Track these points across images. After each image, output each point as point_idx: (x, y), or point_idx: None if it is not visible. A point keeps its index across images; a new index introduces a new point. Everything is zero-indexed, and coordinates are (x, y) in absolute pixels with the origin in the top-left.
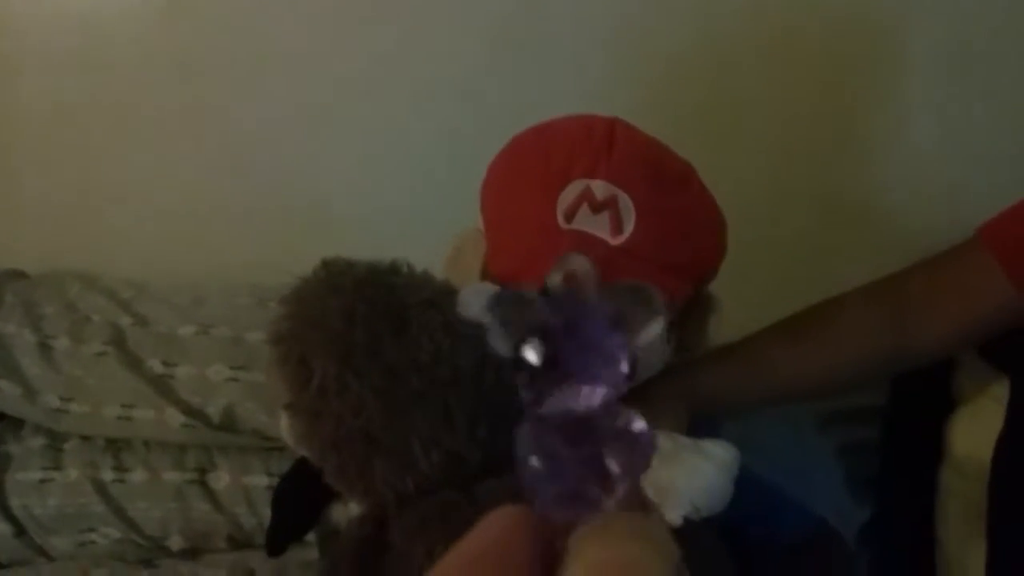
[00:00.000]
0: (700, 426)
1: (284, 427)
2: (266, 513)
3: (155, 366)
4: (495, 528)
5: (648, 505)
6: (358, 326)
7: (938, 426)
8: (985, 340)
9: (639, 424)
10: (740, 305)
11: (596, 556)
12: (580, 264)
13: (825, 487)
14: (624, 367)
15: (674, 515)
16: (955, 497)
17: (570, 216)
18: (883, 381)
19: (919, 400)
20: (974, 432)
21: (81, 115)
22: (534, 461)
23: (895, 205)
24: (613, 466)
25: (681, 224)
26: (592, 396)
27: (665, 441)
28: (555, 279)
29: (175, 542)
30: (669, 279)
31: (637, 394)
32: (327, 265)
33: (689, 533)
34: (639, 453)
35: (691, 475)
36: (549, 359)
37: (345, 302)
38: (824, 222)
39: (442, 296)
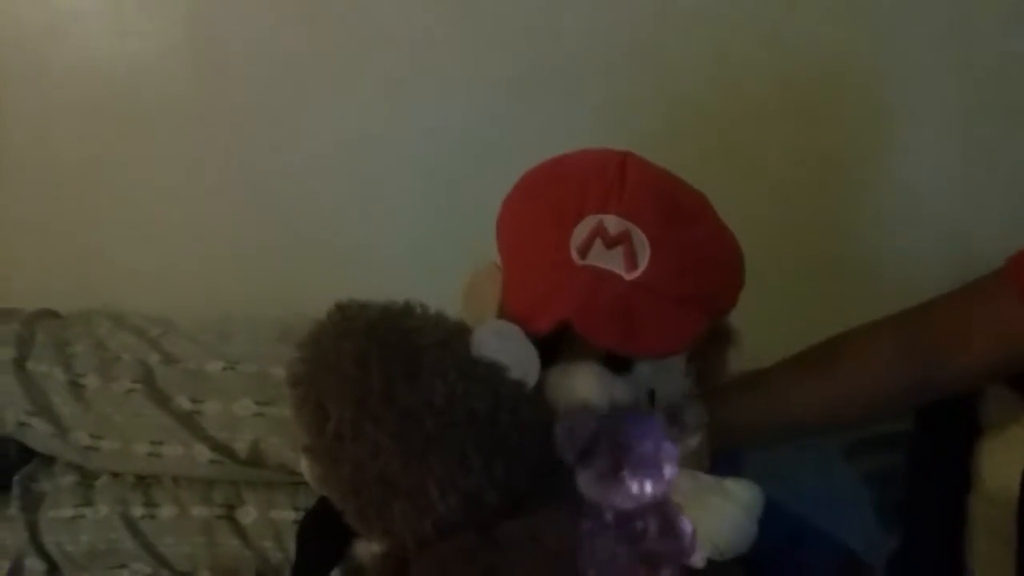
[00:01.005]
0: (723, 459)
1: (304, 468)
2: (293, 547)
3: (183, 403)
4: None
5: None
6: (371, 370)
7: (965, 453)
8: (1012, 373)
9: (683, 520)
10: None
11: None
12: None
13: (853, 516)
14: (670, 469)
15: (697, 557)
16: (984, 526)
17: (584, 252)
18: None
19: (945, 427)
20: (1002, 460)
21: (108, 159)
22: (593, 546)
23: (896, 252)
24: (659, 555)
25: (697, 257)
26: (642, 495)
27: (687, 481)
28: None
29: None
30: (686, 312)
31: None
32: (341, 308)
33: (714, 572)
34: (683, 549)
35: (713, 517)
36: (608, 467)
37: (358, 346)
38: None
39: (455, 336)
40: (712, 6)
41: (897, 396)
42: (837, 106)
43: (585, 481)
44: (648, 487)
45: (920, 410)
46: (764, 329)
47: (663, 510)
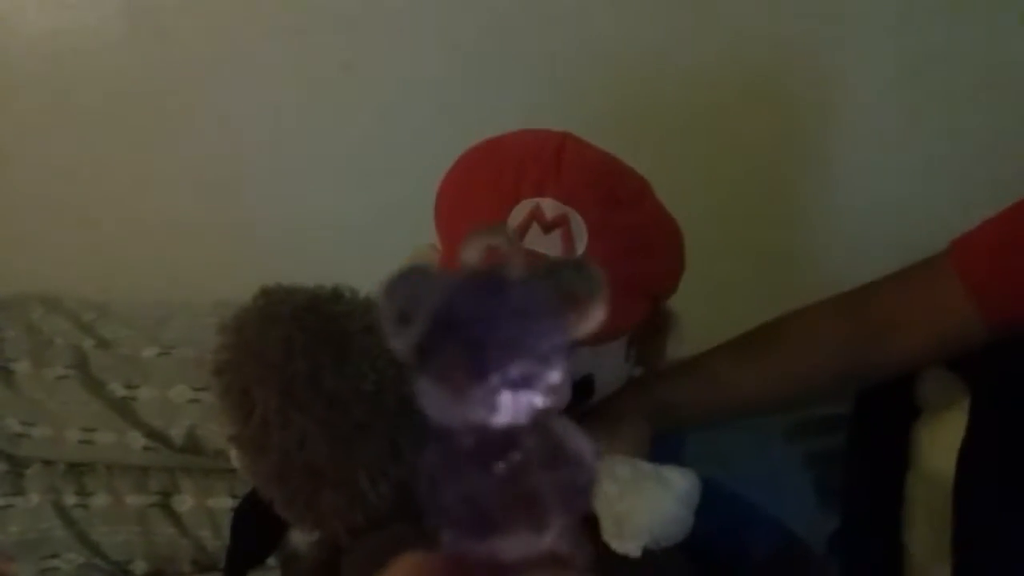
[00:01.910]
0: (664, 440)
1: (232, 458)
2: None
3: (117, 389)
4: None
5: (581, 555)
6: (297, 356)
7: (903, 434)
8: (949, 357)
9: (579, 444)
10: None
11: None
12: (502, 236)
13: (793, 497)
14: (559, 367)
15: (632, 547)
16: (921, 506)
17: (521, 235)
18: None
19: (883, 407)
20: (938, 441)
21: (43, 137)
22: (442, 491)
23: (863, 216)
24: (544, 497)
25: (636, 241)
26: (517, 407)
27: (624, 468)
28: (470, 255)
29: (139, 566)
30: (626, 297)
31: (597, 411)
32: (266, 293)
33: (654, 559)
34: (578, 481)
35: (651, 506)
36: (460, 358)
37: (284, 332)
38: (793, 231)
39: None
40: None
41: (837, 377)
42: (785, 93)
43: (428, 389)
44: (526, 396)
45: (859, 391)
46: (709, 318)
47: (545, 431)
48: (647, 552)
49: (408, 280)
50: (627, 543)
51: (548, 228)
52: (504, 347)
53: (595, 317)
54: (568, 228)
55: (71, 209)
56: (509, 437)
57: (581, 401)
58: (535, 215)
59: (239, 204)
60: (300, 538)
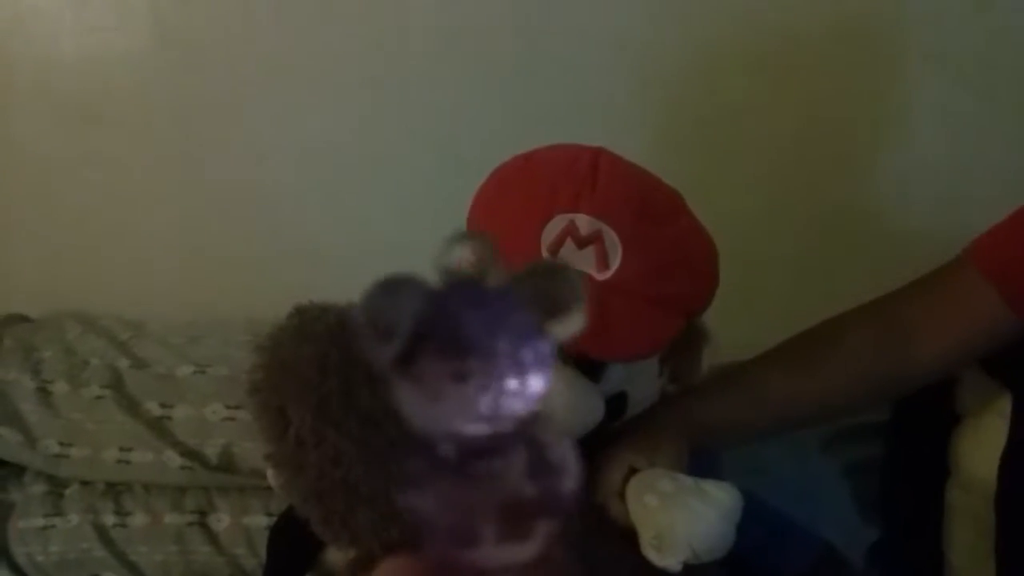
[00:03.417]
0: (701, 454)
1: (269, 476)
2: (265, 554)
3: (152, 408)
4: None
5: (563, 561)
6: (331, 374)
7: (942, 442)
8: (983, 357)
9: (562, 451)
10: (744, 324)
11: None
12: (481, 245)
13: (831, 508)
14: (539, 375)
15: (672, 561)
16: (962, 514)
17: (554, 251)
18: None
19: (922, 416)
20: (978, 448)
21: (77, 157)
22: (422, 499)
23: (897, 217)
24: (527, 504)
25: (670, 256)
26: (498, 412)
27: (666, 482)
28: (447, 261)
29: None
30: (660, 313)
31: (632, 427)
32: (300, 312)
33: (692, 573)
34: (561, 488)
35: (692, 520)
36: (438, 365)
37: (318, 350)
38: (825, 236)
39: None
40: None
41: (873, 387)
42: (847, 62)
43: (409, 395)
44: (508, 402)
45: (897, 400)
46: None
47: (531, 437)
48: (686, 567)
49: (388, 290)
50: (667, 558)
51: (582, 244)
52: (483, 355)
53: (576, 322)
54: (602, 244)
55: (105, 228)
56: (492, 445)
57: (614, 418)
58: (569, 231)
59: (269, 222)
60: (336, 557)
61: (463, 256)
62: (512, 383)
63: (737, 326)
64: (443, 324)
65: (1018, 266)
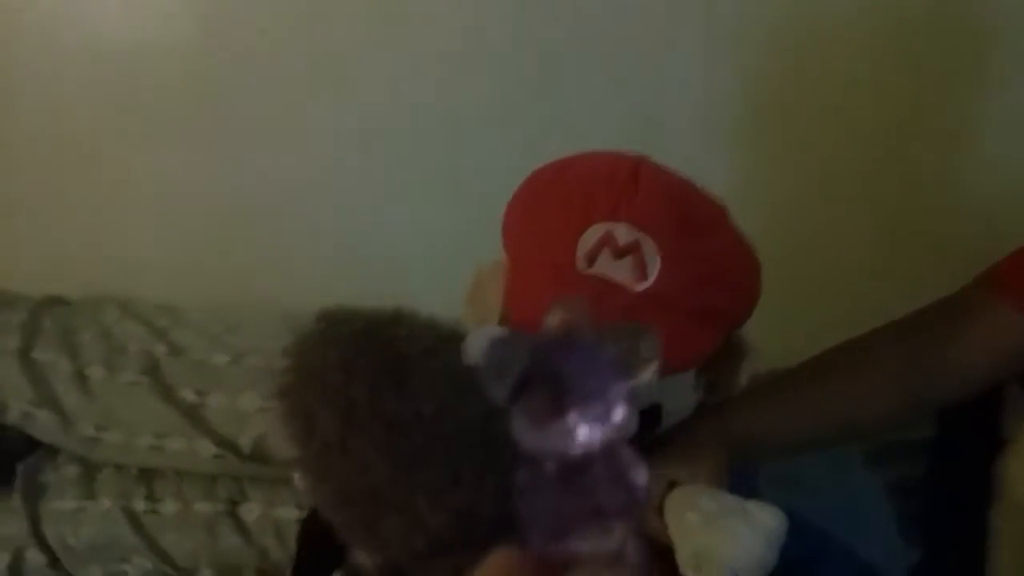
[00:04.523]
0: (738, 468)
1: (296, 480)
2: (294, 547)
3: (188, 395)
4: (491, 572)
5: (639, 553)
6: (357, 380)
7: (987, 466)
8: (1012, 376)
9: (636, 472)
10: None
11: None
12: (576, 308)
13: (873, 527)
14: (622, 408)
15: None
16: (1008, 540)
17: (591, 260)
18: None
19: (967, 438)
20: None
21: (118, 144)
22: (530, 502)
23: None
24: (609, 509)
25: (710, 269)
26: (590, 439)
27: (708, 501)
28: (552, 322)
29: (205, 574)
30: (697, 327)
31: (671, 440)
32: (326, 316)
33: None
34: (634, 500)
35: (735, 544)
36: (545, 401)
37: (344, 355)
38: (883, 241)
39: (445, 344)
40: None
41: (903, 402)
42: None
43: (520, 425)
44: (596, 430)
45: (941, 422)
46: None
47: (612, 457)
48: None
49: (502, 343)
50: None
51: (620, 254)
52: (579, 393)
53: (651, 371)
54: (640, 255)
55: (145, 214)
56: (584, 462)
57: (648, 430)
58: (606, 240)
59: (309, 213)
60: (364, 558)
61: (560, 316)
62: (600, 416)
63: (781, 335)
64: (548, 370)
65: None
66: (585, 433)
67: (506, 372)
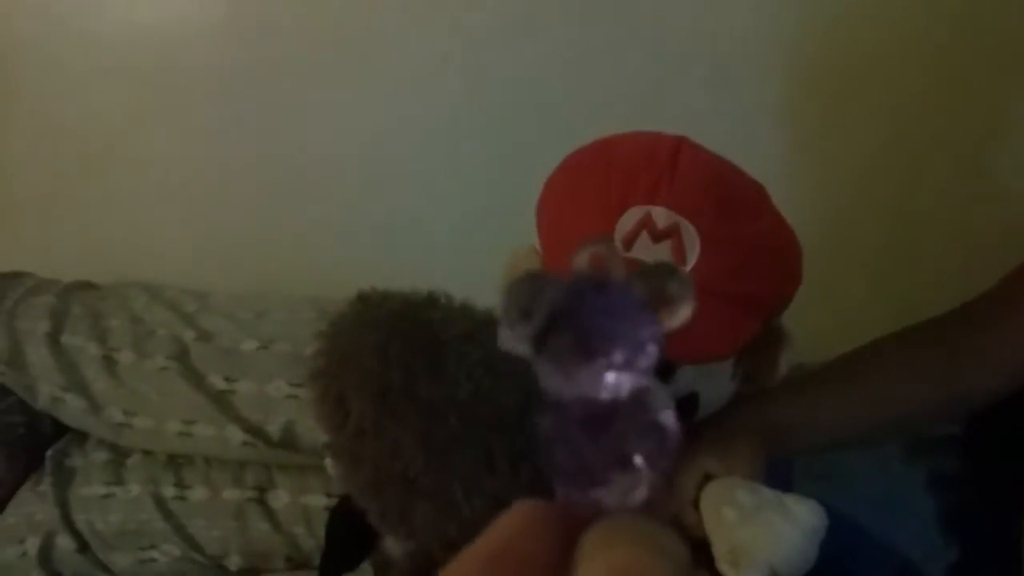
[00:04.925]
0: (774, 461)
1: (327, 466)
2: (323, 535)
3: (216, 382)
4: (514, 523)
5: (667, 504)
6: (392, 364)
7: (1021, 465)
8: None
9: (666, 416)
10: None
11: (605, 562)
12: (605, 246)
13: (912, 522)
14: (652, 352)
15: None
16: None
17: (629, 244)
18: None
19: (1000, 436)
20: None
21: (147, 127)
22: (555, 451)
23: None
24: (636, 458)
25: (751, 254)
26: (619, 384)
27: (746, 495)
28: (579, 261)
29: (233, 562)
30: (737, 313)
31: (707, 429)
32: (362, 299)
33: None
34: (664, 446)
35: (774, 539)
36: (572, 345)
37: (379, 338)
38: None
39: (481, 329)
40: None
41: (934, 401)
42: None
43: (545, 369)
44: (625, 375)
45: (973, 423)
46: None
47: (641, 403)
48: None
49: (528, 282)
50: (743, 574)
51: (658, 238)
52: (607, 337)
53: (683, 314)
54: (679, 239)
55: (175, 199)
56: (612, 408)
57: (685, 420)
58: (645, 223)
59: (341, 198)
60: (394, 545)
61: (589, 257)
62: (629, 360)
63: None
64: (573, 311)
65: None
66: (613, 378)
67: (530, 313)
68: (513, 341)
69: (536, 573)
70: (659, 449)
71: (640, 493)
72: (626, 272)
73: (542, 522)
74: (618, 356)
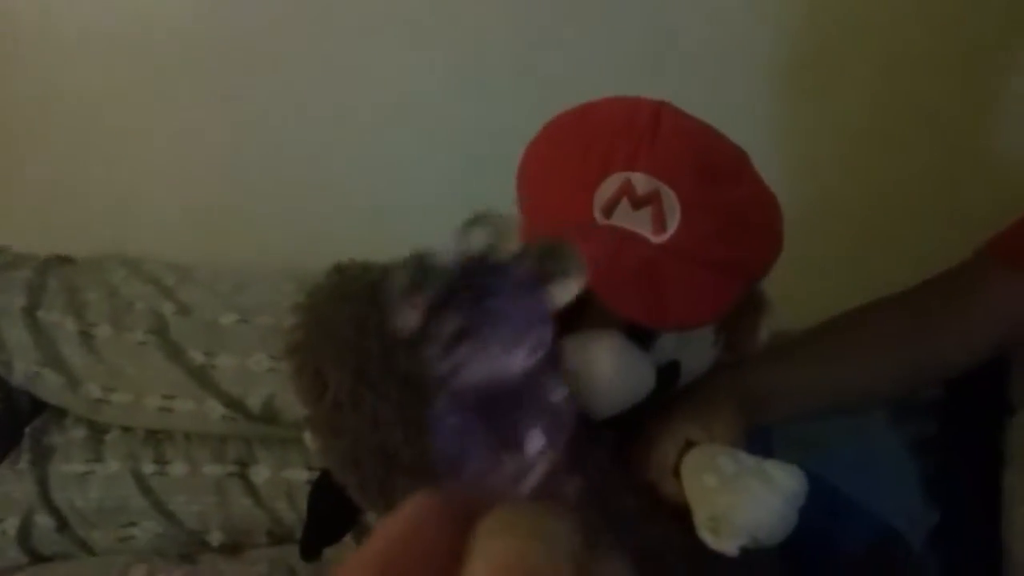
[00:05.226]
0: (752, 430)
1: (307, 440)
2: (305, 509)
3: (196, 356)
4: (405, 516)
5: (570, 489)
6: (370, 336)
7: (996, 430)
8: (1018, 343)
9: (557, 393)
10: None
11: (495, 557)
12: (495, 224)
13: (895, 487)
14: (542, 331)
15: (730, 545)
16: (1020, 503)
17: (608, 211)
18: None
19: (975, 403)
20: None
21: (125, 99)
22: (445, 436)
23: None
24: (531, 439)
25: (732, 220)
26: (508, 365)
27: (727, 461)
28: (464, 243)
29: (215, 537)
30: (718, 279)
31: (687, 397)
32: (340, 270)
33: (746, 556)
34: (557, 428)
35: (754, 505)
36: (459, 328)
37: (357, 310)
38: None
39: None
40: None
41: (906, 375)
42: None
43: (432, 352)
44: (516, 355)
45: (949, 390)
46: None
47: (534, 384)
48: (743, 550)
49: (412, 264)
50: (725, 541)
51: (639, 204)
52: (495, 316)
53: (568, 290)
54: (660, 205)
55: (153, 172)
56: (502, 389)
57: (666, 388)
58: (625, 190)
59: (321, 174)
60: (376, 519)
61: (477, 236)
62: (518, 340)
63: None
64: (460, 292)
65: None
66: (496, 355)
67: (418, 294)
68: (402, 322)
69: (433, 566)
70: (552, 431)
71: (533, 477)
72: (515, 250)
73: (439, 514)
74: (505, 336)
